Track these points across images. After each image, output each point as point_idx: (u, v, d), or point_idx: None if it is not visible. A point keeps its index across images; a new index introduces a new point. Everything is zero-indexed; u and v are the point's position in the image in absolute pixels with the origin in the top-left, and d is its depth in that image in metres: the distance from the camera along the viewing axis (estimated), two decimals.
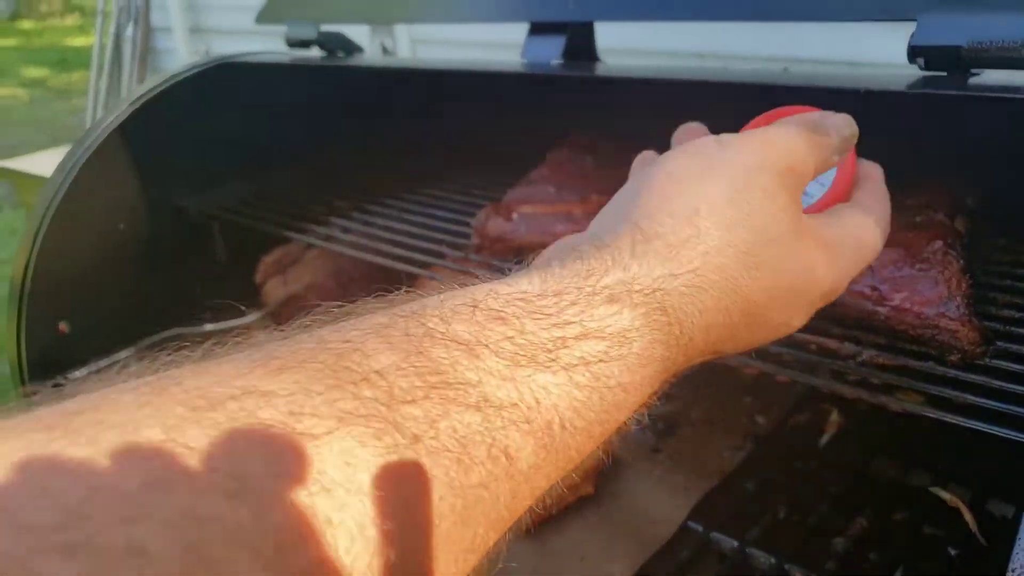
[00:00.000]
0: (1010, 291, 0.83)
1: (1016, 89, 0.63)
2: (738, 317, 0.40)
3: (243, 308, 1.40)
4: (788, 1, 0.82)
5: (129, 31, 5.27)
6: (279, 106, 1.53)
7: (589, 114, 1.25)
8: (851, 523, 0.84)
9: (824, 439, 0.98)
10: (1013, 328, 0.75)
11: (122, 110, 1.33)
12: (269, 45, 1.63)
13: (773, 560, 0.80)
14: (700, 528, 0.85)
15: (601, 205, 1.05)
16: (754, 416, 1.04)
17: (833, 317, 0.80)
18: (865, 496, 0.88)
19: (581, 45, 1.03)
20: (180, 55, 5.06)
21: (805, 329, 0.77)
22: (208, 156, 1.46)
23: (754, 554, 0.81)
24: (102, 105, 5.35)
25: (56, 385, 1.00)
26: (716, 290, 0.38)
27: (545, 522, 0.88)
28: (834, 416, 1.00)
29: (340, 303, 0.40)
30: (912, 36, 0.72)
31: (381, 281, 1.39)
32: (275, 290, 1.32)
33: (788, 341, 0.79)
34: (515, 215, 1.05)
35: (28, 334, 1.27)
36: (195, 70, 1.40)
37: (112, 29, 5.36)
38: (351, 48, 1.32)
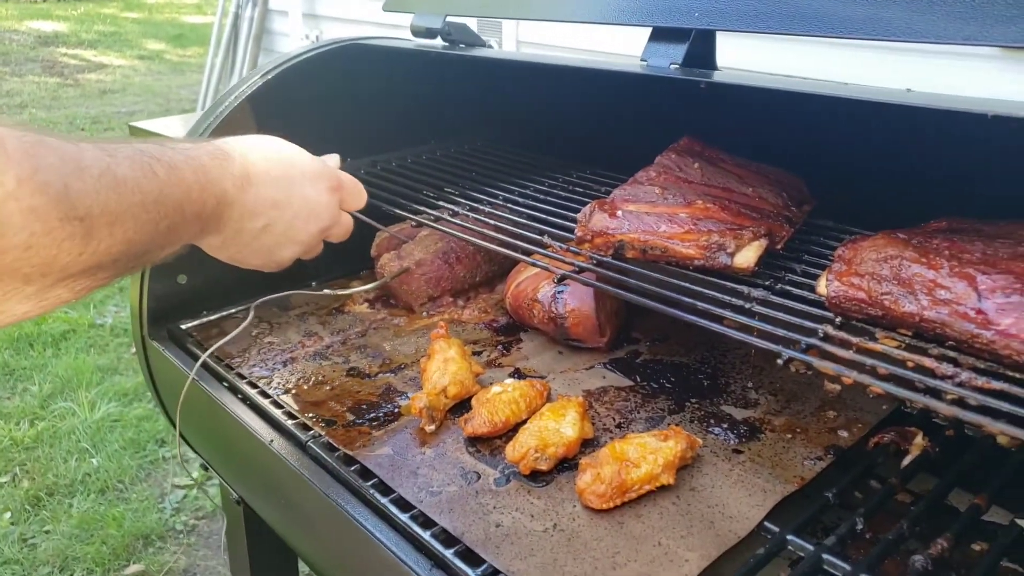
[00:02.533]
0: None
1: None
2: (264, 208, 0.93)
3: (360, 277, 1.50)
4: (920, 22, 0.83)
5: (248, 11, 5.53)
6: (400, 90, 1.61)
7: (702, 120, 1.27)
8: (930, 544, 0.84)
9: (907, 460, 0.98)
10: None
11: (253, 80, 1.43)
12: (380, 33, 1.72)
13: (848, 568, 0.81)
14: (776, 529, 0.87)
15: (706, 211, 1.08)
16: (837, 430, 1.05)
17: (934, 338, 0.81)
18: (944, 521, 0.88)
19: (701, 53, 1.06)
20: (294, 38, 5.28)
21: (909, 348, 0.79)
22: (327, 131, 1.55)
23: (829, 561, 0.83)
24: (216, 79, 5.62)
25: (170, 332, 1.09)
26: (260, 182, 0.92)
27: (626, 505, 0.91)
28: (919, 439, 1.00)
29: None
30: None
31: (482, 263, 1.47)
32: (389, 263, 1.43)
33: (884, 357, 0.81)
34: (619, 212, 1.09)
35: (151, 282, 1.38)
36: (323, 48, 1.49)
37: (232, 8, 5.63)
38: (474, 41, 1.38)
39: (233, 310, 1.47)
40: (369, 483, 0.98)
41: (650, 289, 0.99)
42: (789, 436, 1.04)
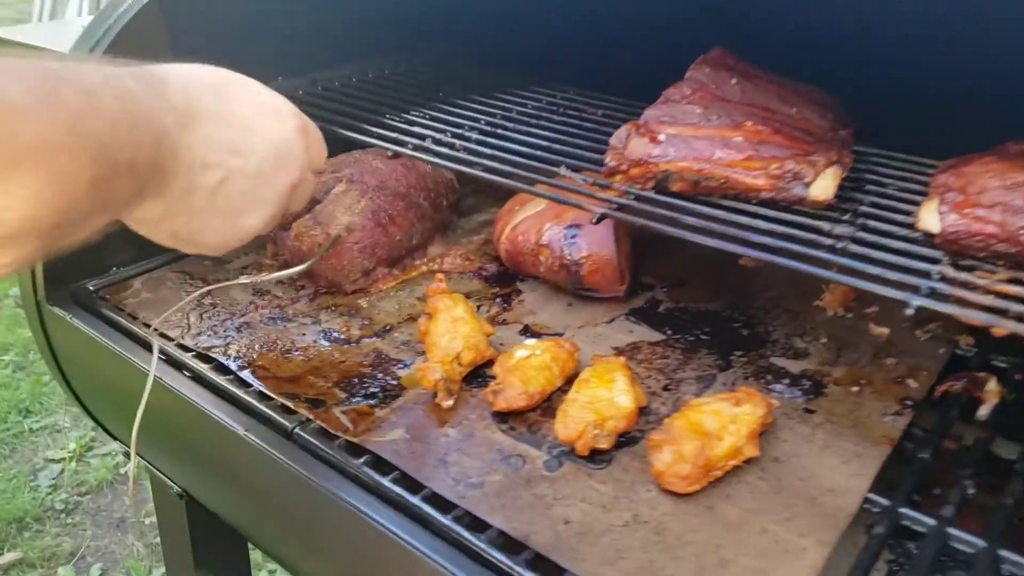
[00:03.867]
0: None
1: None
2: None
3: (269, 261, 1.22)
4: None
5: None
6: (346, 2, 1.34)
7: (709, 35, 1.11)
8: None
9: (985, 409, 0.90)
10: None
11: None
12: None
13: (984, 544, 0.71)
14: (887, 502, 0.76)
15: (758, 134, 0.93)
16: (904, 380, 0.95)
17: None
18: None
19: None
20: None
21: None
22: (252, 45, 1.27)
23: (956, 536, 0.72)
24: None
25: (72, 294, 0.83)
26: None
27: (710, 486, 0.77)
28: (992, 385, 0.92)
29: None
30: None
31: (416, 221, 1.24)
32: (310, 232, 1.12)
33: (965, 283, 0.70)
34: (662, 136, 0.91)
35: None
36: None
37: None
38: None
39: (149, 264, 1.20)
40: (389, 477, 0.79)
41: (714, 228, 0.84)
42: (856, 390, 0.93)
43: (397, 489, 0.78)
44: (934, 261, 0.77)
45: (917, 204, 0.86)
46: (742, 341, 1.02)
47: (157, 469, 1.13)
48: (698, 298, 1.12)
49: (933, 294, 0.72)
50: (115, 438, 1.23)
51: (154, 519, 2.26)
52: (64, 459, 2.57)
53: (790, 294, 1.12)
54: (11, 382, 2.90)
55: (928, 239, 0.79)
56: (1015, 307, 0.68)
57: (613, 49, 1.37)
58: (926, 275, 0.75)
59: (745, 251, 0.81)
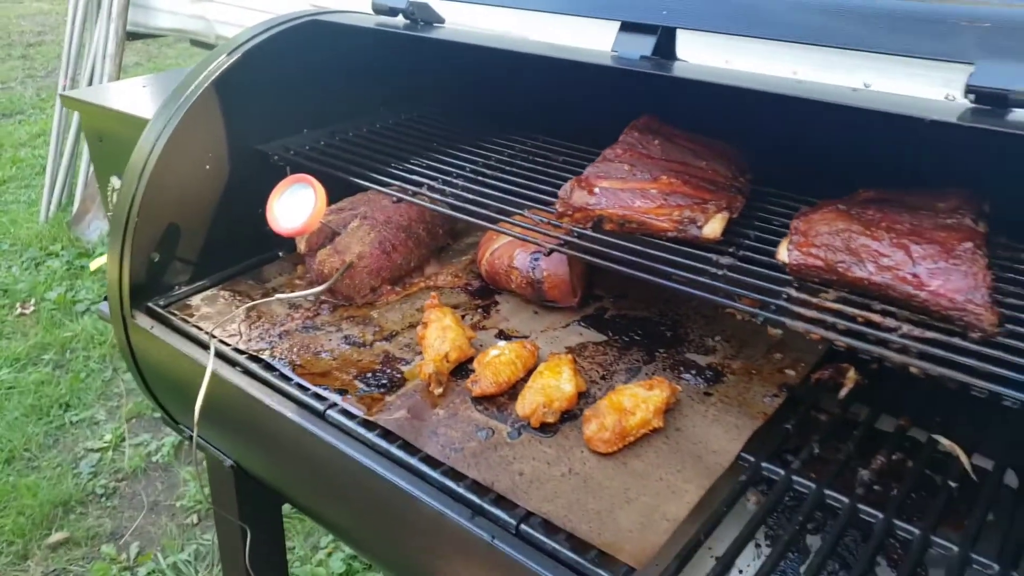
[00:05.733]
0: (1011, 282, 1.04)
1: None
2: None
3: (300, 281, 1.51)
4: (865, 33, 0.98)
5: None
6: (357, 62, 1.64)
7: (664, 103, 1.40)
8: (871, 461, 1.05)
9: (844, 392, 1.19)
10: (1017, 313, 0.96)
11: (218, 61, 1.44)
12: None
13: (813, 486, 1.01)
14: (752, 459, 1.06)
15: (671, 185, 1.22)
16: (785, 370, 1.24)
17: (877, 296, 1.00)
18: (879, 441, 1.09)
19: (665, 46, 1.18)
20: None
21: (854, 304, 0.97)
22: (286, 106, 1.58)
23: (798, 481, 1.02)
24: (82, 15, 5.20)
25: (149, 310, 1.17)
26: None
27: (626, 448, 1.07)
28: (851, 373, 1.21)
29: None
30: (971, 76, 0.90)
31: (414, 248, 1.57)
32: (329, 260, 1.41)
33: (839, 313, 0.99)
34: (597, 189, 1.21)
35: (132, 261, 1.39)
36: (283, 25, 1.51)
37: None
38: (435, 18, 1.44)
39: (205, 283, 1.51)
40: (395, 444, 1.09)
41: (631, 259, 1.13)
42: (747, 377, 1.23)
43: (400, 454, 1.08)
44: (786, 284, 1.06)
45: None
46: (665, 340, 1.32)
47: (213, 446, 1.44)
48: (636, 307, 1.42)
49: (778, 310, 1.02)
50: (177, 424, 1.54)
51: (184, 502, 2.56)
52: (102, 449, 2.80)
53: (708, 303, 1.42)
54: (51, 379, 3.12)
55: (785, 268, 1.09)
56: (829, 318, 0.98)
57: (573, 106, 1.66)
58: (777, 295, 1.04)
59: (653, 279, 1.11)
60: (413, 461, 1.06)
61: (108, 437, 2.84)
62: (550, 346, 1.30)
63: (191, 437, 1.56)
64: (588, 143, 1.53)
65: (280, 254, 1.62)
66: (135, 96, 1.66)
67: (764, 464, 1.05)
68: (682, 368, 1.25)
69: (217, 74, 1.42)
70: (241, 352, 1.29)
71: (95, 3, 5.30)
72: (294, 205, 1.37)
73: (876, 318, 0.97)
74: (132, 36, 5.45)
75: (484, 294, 1.48)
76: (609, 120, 1.54)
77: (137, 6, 5.34)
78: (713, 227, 1.14)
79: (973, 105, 0.91)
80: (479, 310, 1.42)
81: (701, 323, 1.37)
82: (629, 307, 1.42)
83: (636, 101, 1.43)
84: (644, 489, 1.01)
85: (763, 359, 1.27)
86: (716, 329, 1.35)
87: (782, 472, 1.04)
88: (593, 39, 1.25)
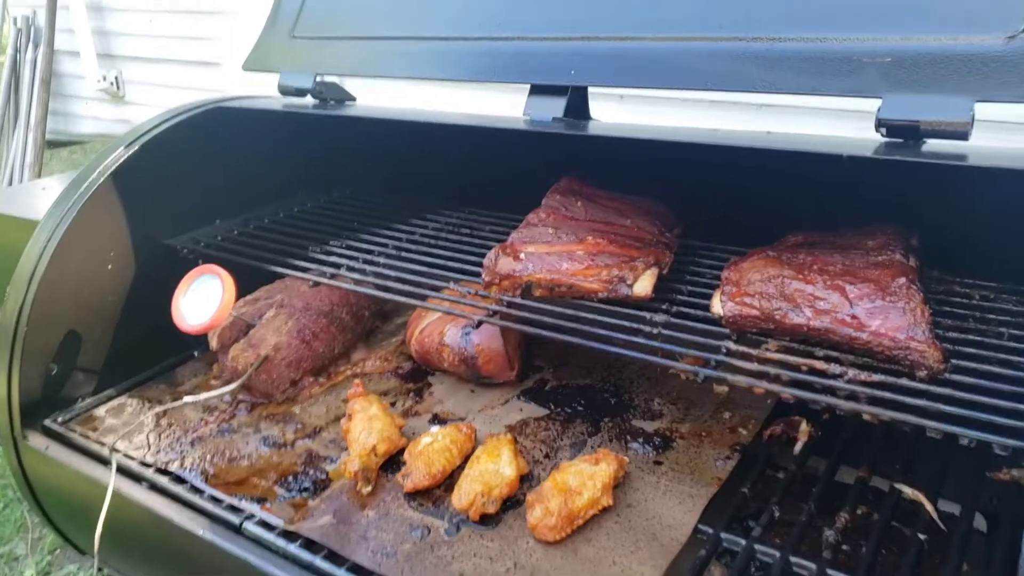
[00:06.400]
0: (950, 316, 1.01)
1: (959, 156, 0.80)
2: None
3: (215, 381, 1.41)
4: (771, 75, 0.96)
5: (29, 53, 5.06)
6: (267, 147, 1.58)
7: (584, 163, 1.37)
8: (835, 519, 0.98)
9: (798, 447, 1.13)
10: (960, 348, 0.92)
11: (116, 154, 1.36)
12: (189, 73, 1.64)
13: (778, 554, 0.93)
14: (710, 531, 0.98)
15: (597, 246, 1.17)
16: (736, 428, 1.18)
17: (819, 342, 0.95)
18: (841, 495, 1.03)
19: (577, 106, 1.15)
20: (89, 80, 4.90)
21: (796, 352, 0.92)
22: (193, 197, 1.50)
23: (760, 550, 0.94)
24: None
25: (45, 428, 1.03)
26: None
27: (575, 532, 0.98)
28: (804, 426, 1.15)
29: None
30: (879, 110, 0.88)
31: (337, 334, 1.47)
32: (243, 354, 1.31)
33: (782, 363, 0.94)
34: (522, 255, 1.15)
35: (21, 376, 1.27)
36: (185, 115, 1.44)
37: (9, 51, 5.13)
38: (344, 97, 1.40)
39: (112, 392, 1.39)
40: (320, 555, 0.98)
41: (564, 325, 1.07)
42: (697, 441, 1.15)
43: (325, 565, 0.96)
44: (724, 338, 1.01)
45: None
46: (609, 408, 1.25)
47: (121, 574, 1.30)
48: (577, 375, 1.35)
49: (719, 366, 0.96)
50: (83, 553, 1.39)
51: None
52: None
53: (650, 365, 1.35)
54: None
55: (720, 321, 1.03)
56: (772, 370, 0.92)
57: (493, 174, 1.62)
58: (716, 350, 0.98)
59: (592, 344, 1.04)
60: (340, 573, 0.95)
61: (29, 573, 2.61)
62: (488, 426, 1.22)
63: (101, 569, 1.41)
64: (515, 210, 1.49)
65: (196, 354, 1.51)
66: (31, 198, 1.56)
67: (723, 535, 0.97)
68: (629, 437, 1.17)
69: (115, 167, 1.34)
70: (147, 465, 1.17)
71: (12, 113, 5.20)
72: (201, 299, 1.28)
73: (820, 365, 0.92)
74: (53, 144, 5.35)
75: (416, 376, 1.39)
76: (532, 184, 1.50)
77: (57, 114, 5.26)
78: (643, 284, 1.09)
79: (886, 139, 0.89)
80: (411, 395, 1.33)
81: (645, 386, 1.30)
82: (570, 376, 1.35)
83: (555, 163, 1.39)
84: None
85: (712, 419, 1.20)
86: (661, 391, 1.29)
87: (743, 542, 0.96)
88: (507, 105, 1.22)
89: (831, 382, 0.90)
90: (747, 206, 1.31)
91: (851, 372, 0.89)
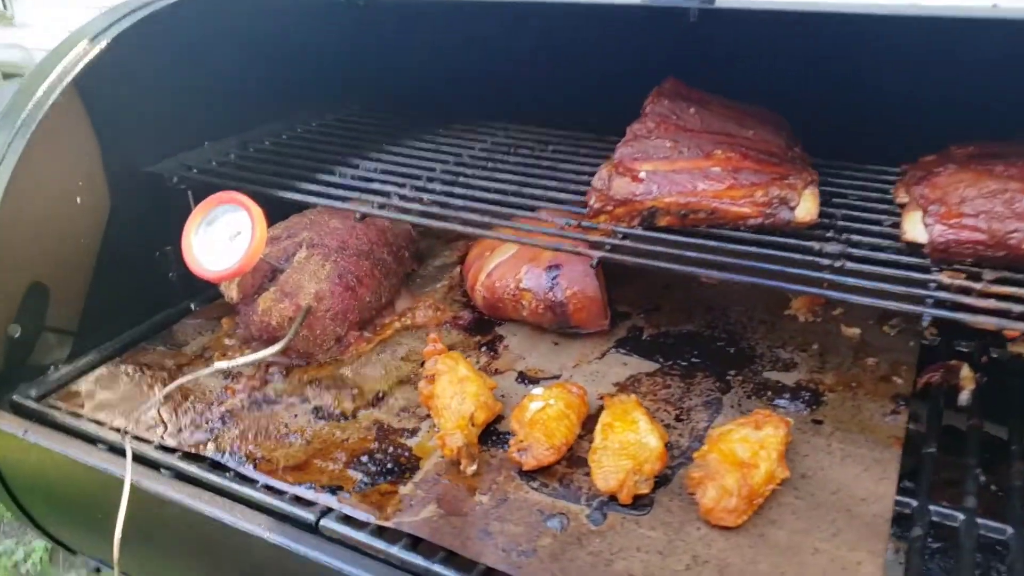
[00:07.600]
0: None
1: None
2: None
3: (230, 340, 1.13)
4: None
5: None
6: (260, 47, 1.27)
7: (676, 68, 1.13)
8: None
9: (964, 397, 0.96)
10: None
11: (79, 50, 1.05)
12: None
13: (1011, 530, 0.76)
14: (915, 503, 0.80)
15: (730, 160, 0.96)
16: (889, 377, 1.00)
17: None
18: None
19: None
20: None
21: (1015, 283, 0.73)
22: (172, 111, 1.20)
23: (984, 524, 0.77)
24: None
25: (14, 405, 0.75)
26: None
27: (755, 514, 0.79)
28: (965, 371, 0.99)
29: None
30: None
31: (383, 279, 1.20)
32: (278, 306, 1.04)
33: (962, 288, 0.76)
34: (642, 174, 0.93)
35: None
36: (152, 6, 1.14)
37: None
38: None
39: (93, 359, 1.10)
40: (436, 558, 0.75)
41: (719, 260, 0.86)
42: (850, 394, 0.97)
43: (447, 572, 0.74)
44: (924, 270, 0.82)
45: (883, 214, 0.92)
46: (731, 360, 1.05)
47: None
48: (676, 320, 1.15)
49: (937, 303, 0.77)
50: (75, 552, 1.11)
51: None
52: None
53: (758, 305, 1.17)
54: None
55: (912, 249, 0.84)
56: (1016, 307, 0.74)
57: (545, 83, 1.37)
58: (924, 285, 0.79)
59: (752, 279, 0.83)
60: None
61: None
62: (594, 385, 1.00)
63: (98, 569, 1.15)
64: (574, 127, 1.26)
65: (192, 307, 1.23)
66: None
67: (932, 507, 0.80)
68: (770, 392, 0.98)
69: (77, 70, 1.04)
70: (169, 450, 0.91)
71: None
72: (220, 237, 1.00)
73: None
74: None
75: (482, 328, 1.15)
76: (586, 96, 1.28)
77: None
78: (807, 207, 0.89)
79: None
80: (482, 349, 1.10)
81: (762, 331, 1.11)
82: (668, 322, 1.14)
83: (634, 69, 1.15)
84: (804, 569, 0.73)
85: (855, 367, 1.02)
86: (783, 337, 1.10)
87: (960, 516, 0.78)
88: None
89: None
90: (862, 117, 1.12)
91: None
